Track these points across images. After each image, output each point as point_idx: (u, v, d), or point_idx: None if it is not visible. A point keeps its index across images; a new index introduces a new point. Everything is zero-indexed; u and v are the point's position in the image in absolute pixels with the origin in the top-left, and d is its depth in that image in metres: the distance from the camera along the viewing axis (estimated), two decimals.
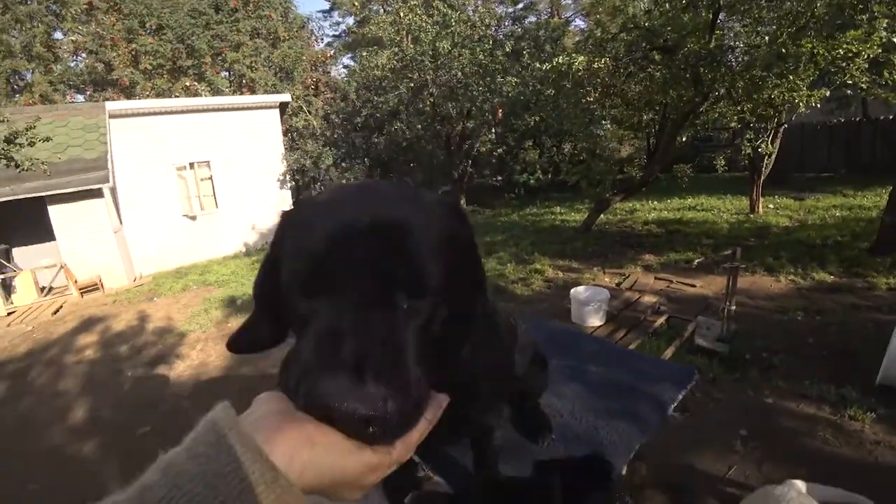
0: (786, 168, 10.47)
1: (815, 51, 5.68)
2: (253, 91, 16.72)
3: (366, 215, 0.53)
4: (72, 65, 17.57)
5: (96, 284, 9.08)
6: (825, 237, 6.48)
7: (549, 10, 21.26)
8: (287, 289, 0.56)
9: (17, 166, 7.31)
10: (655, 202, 10.20)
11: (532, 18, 13.98)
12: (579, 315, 4.51)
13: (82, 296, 8.82)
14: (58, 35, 17.44)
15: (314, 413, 0.44)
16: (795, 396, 3.04)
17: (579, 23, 20.26)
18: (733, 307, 3.82)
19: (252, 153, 12.16)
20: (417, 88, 11.95)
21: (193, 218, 11.42)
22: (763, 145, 7.64)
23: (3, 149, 7.13)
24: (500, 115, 13.20)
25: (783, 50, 5.35)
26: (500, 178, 16.06)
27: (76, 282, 8.85)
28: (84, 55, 17.18)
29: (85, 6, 16.86)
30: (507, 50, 11.24)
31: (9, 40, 16.07)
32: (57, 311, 8.02)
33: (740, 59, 6.99)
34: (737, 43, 6.94)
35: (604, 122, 9.97)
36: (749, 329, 4.04)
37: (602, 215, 8.83)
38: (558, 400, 1.77)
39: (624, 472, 1.54)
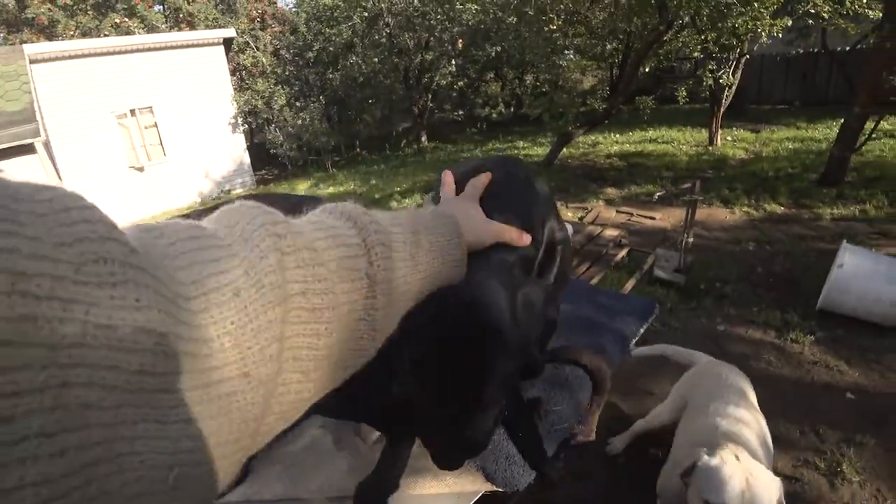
0: (744, 100, 10.57)
1: None
2: (193, 27, 15.32)
3: None
4: None
5: None
6: (777, 169, 6.68)
7: None
8: None
9: None
10: (617, 135, 10.20)
11: None
12: None
13: None
14: None
15: None
16: (744, 323, 3.22)
17: None
18: (691, 239, 3.95)
19: (198, 95, 11.36)
20: (372, 18, 11.25)
21: (141, 169, 10.75)
22: (725, 76, 7.63)
23: None
24: (460, 45, 12.65)
25: None
26: (461, 112, 15.68)
27: None
28: None
29: None
30: None
31: None
32: None
33: None
34: None
35: (567, 51, 9.70)
36: (704, 260, 4.20)
37: (565, 149, 8.80)
38: None
39: (587, 404, 1.60)
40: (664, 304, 3.51)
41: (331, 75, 13.04)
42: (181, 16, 15.87)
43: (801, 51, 11.04)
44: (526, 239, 0.78)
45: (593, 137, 10.03)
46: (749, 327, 3.17)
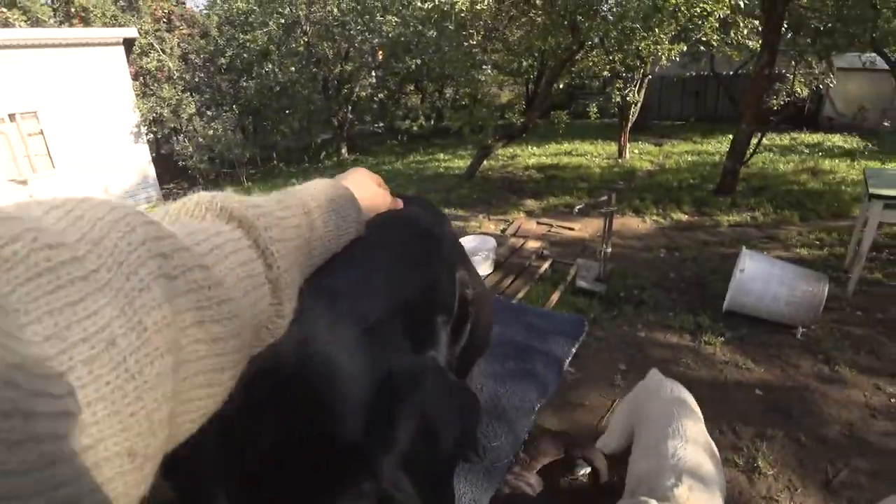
0: (648, 116, 11.46)
1: (678, 8, 6.11)
2: (87, 23, 13.97)
3: None
4: None
5: None
6: (680, 180, 7.23)
7: None
8: None
9: None
10: (535, 147, 10.59)
11: None
12: None
13: None
14: None
15: None
16: (662, 328, 3.39)
17: None
18: (609, 249, 4.12)
19: (94, 101, 10.35)
20: (289, 25, 10.89)
21: (24, 182, 9.55)
22: (631, 94, 8.21)
23: None
24: (380, 56, 12.59)
25: (652, 6, 5.68)
26: (381, 124, 15.58)
27: None
28: None
29: None
30: None
31: None
32: None
33: (614, 11, 7.33)
34: None
35: (485, 66, 9.95)
36: (622, 268, 4.40)
37: (485, 161, 8.98)
38: None
39: (526, 435, 1.56)
40: (587, 313, 3.63)
41: (245, 83, 12.45)
42: (73, 10, 14.38)
43: (694, 73, 12.19)
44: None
45: (512, 150, 10.34)
46: (667, 332, 3.34)
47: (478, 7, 6.20)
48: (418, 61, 11.10)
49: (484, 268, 4.56)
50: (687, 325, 3.36)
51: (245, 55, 12.11)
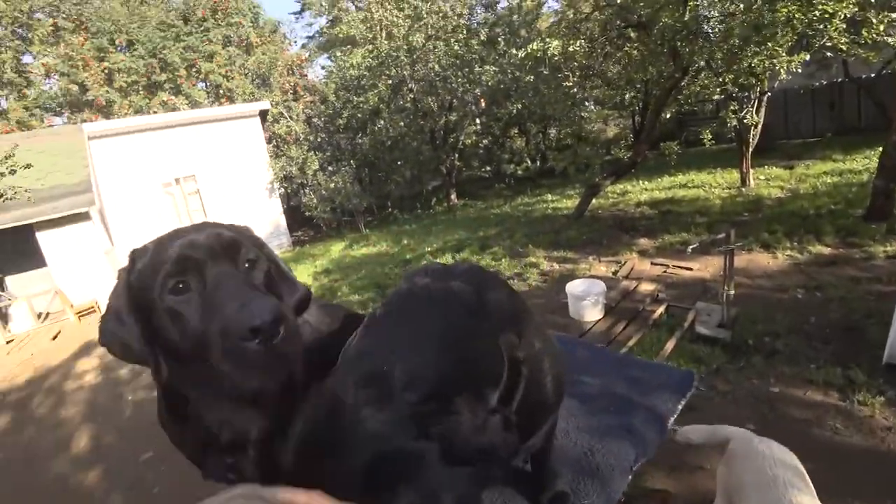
0: (773, 136, 10.37)
1: (791, 15, 5.57)
2: (231, 101, 16.48)
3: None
4: (45, 88, 17.31)
5: (93, 308, 9.02)
6: (818, 206, 6.40)
7: None
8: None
9: (0, 196, 7.23)
10: (646, 182, 10.09)
11: (504, 4, 13.81)
12: (577, 310, 4.42)
13: (80, 320, 8.74)
14: (27, 59, 17.17)
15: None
16: (802, 382, 2.96)
17: (553, 4, 20.03)
18: (732, 291, 3.74)
19: (237, 164, 12.06)
20: (396, 85, 11.78)
21: None
22: (748, 116, 7.53)
23: None
24: (482, 104, 13.04)
25: (760, 20, 5.23)
26: (488, 168, 15.93)
27: (72, 306, 8.79)
28: (56, 77, 16.89)
29: (51, 28, 16.55)
30: (482, 38, 11.08)
31: None
32: (55, 336, 7.98)
33: (717, 30, 6.87)
34: (712, 13, 6.79)
35: (587, 104, 9.82)
36: (750, 312, 3.95)
37: (594, 200, 8.73)
38: None
39: (622, 497, 1.45)
40: (709, 364, 3.29)
41: (360, 140, 13.59)
42: (221, 91, 17.11)
43: (825, 81, 10.82)
44: None
45: (622, 186, 9.95)
46: (807, 388, 2.91)
47: (570, 49, 6.20)
48: (519, 106, 11.31)
49: (593, 313, 4.39)
50: (834, 380, 2.90)
51: (359, 115, 13.28)
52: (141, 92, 16.66)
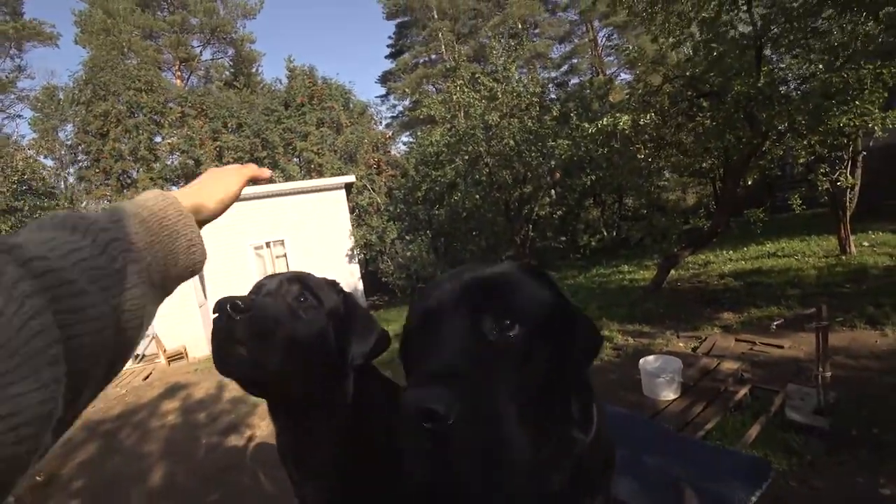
0: (876, 197, 9.51)
1: (879, 71, 5.30)
2: (321, 174, 18.15)
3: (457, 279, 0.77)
4: (168, 163, 20.24)
5: (182, 354, 9.86)
6: None
7: (592, 69, 21.64)
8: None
9: None
10: (731, 251, 9.55)
11: (575, 80, 14.27)
12: (650, 387, 4.19)
13: (169, 364, 9.57)
14: (157, 139, 20.34)
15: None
16: None
17: (625, 76, 20.41)
18: (828, 373, 3.39)
19: (322, 231, 12.98)
20: (472, 160, 12.35)
21: None
22: (842, 177, 7.03)
23: None
24: (557, 176, 13.24)
25: (835, 80, 5.02)
26: (563, 239, 15.84)
27: (165, 351, 9.65)
28: (178, 154, 19.83)
29: (179, 114, 19.61)
30: (555, 114, 11.44)
31: (120, 147, 18.99)
32: (147, 377, 8.77)
33: (796, 93, 6.62)
34: (788, 75, 6.60)
35: (664, 172, 9.63)
36: (854, 398, 3.53)
37: (673, 271, 8.37)
38: None
39: None
40: (803, 455, 2.96)
41: (437, 211, 14.19)
42: (312, 166, 18.97)
43: None
44: (266, 173, 0.86)
45: (703, 257, 9.48)
46: None
47: (641, 122, 6.25)
48: (593, 177, 11.37)
49: (669, 392, 4.13)
50: None
51: (437, 188, 13.97)
52: None
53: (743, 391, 3.77)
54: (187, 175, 19.66)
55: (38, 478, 4.84)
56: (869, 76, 5.30)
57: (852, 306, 5.33)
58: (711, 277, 8.21)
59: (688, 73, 6.57)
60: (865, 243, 7.93)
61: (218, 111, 19.59)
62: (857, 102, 5.50)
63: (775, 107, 5.81)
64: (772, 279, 7.19)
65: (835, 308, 5.31)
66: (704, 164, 7.86)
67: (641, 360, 4.36)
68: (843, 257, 7.47)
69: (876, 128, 5.90)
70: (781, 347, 4.80)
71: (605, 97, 13.30)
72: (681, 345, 5.55)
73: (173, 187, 20.53)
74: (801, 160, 7.22)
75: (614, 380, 4.88)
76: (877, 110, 5.72)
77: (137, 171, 19.92)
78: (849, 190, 7.29)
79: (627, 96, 7.49)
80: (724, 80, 6.23)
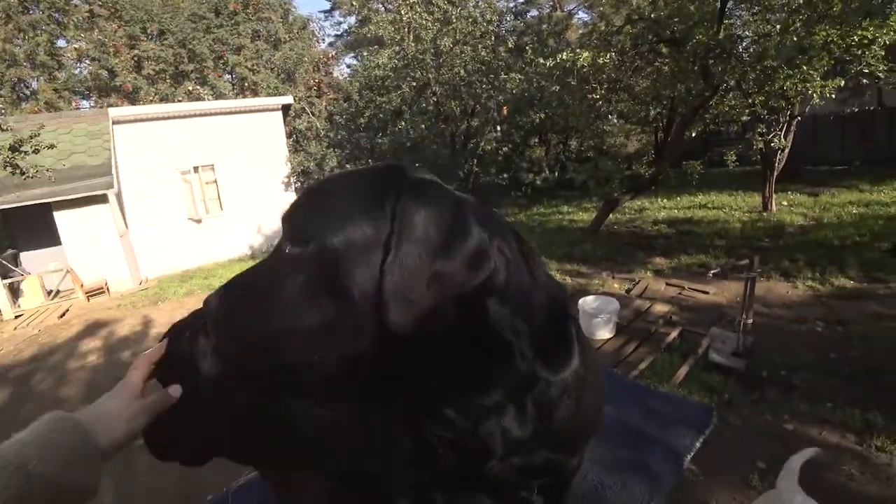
0: (799, 161, 10.17)
1: (829, 39, 5.44)
2: (255, 94, 16.67)
3: None
4: (76, 72, 17.68)
5: (102, 288, 9.16)
6: (843, 237, 6.24)
7: (551, 3, 20.92)
8: None
9: (22, 174, 7.42)
10: (665, 200, 9.96)
11: (534, 13, 13.69)
12: (588, 327, 4.34)
13: (88, 299, 8.87)
14: (61, 43, 17.60)
15: None
16: (818, 422, 2.86)
17: (583, 15, 19.92)
18: (750, 320, 3.64)
19: (256, 156, 12.11)
20: (420, 88, 11.78)
21: (199, 221, 11.40)
22: (776, 139, 7.38)
23: (7, 157, 7.24)
24: (505, 112, 12.98)
25: (803, 42, 5.11)
26: (506, 176, 15.82)
27: (82, 286, 8.91)
28: (87, 62, 17.28)
29: (87, 14, 16.96)
30: (510, 46, 11.02)
31: (13, 49, 16.20)
32: (63, 314, 8.11)
33: (751, 50, 6.71)
34: (745, 32, 6.66)
35: (610, 117, 9.68)
36: (767, 342, 3.84)
37: (611, 215, 8.62)
38: None
39: None
40: (721, 394, 3.20)
41: (380, 139, 13.59)
42: (246, 84, 17.32)
43: (856, 109, 10.57)
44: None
45: (640, 203, 9.82)
46: (823, 427, 2.81)
47: (600, 61, 6.12)
48: (542, 115, 11.22)
49: (605, 331, 4.31)
50: (852, 423, 2.79)
51: (381, 115, 13.29)
52: (168, 80, 16.93)
53: (673, 334, 4.00)
54: (100, 88, 17.29)
55: None
56: (818, 42, 5.41)
57: (770, 259, 5.73)
58: (646, 223, 8.56)
59: (651, 16, 6.43)
60: (785, 202, 8.50)
61: (135, 13, 17.03)
62: (803, 67, 5.64)
63: (731, 61, 5.86)
64: (701, 229, 7.60)
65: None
66: (652, 112, 7.94)
67: (580, 300, 4.49)
68: (765, 214, 7.99)
69: (815, 95, 6.13)
70: (707, 293, 5.12)
71: (561, 34, 12.94)
72: (616, 286, 5.79)
73: (84, 102, 18.14)
74: (743, 118, 7.47)
75: None
76: (818, 78, 5.92)
77: (38, 80, 17.28)
78: (779, 151, 7.67)
79: (588, 34, 7.28)
80: (686, 28, 6.16)
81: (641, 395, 2.05)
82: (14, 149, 7.35)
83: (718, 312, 4.62)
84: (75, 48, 17.20)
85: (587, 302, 4.47)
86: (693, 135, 7.90)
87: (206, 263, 11.19)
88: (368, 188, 0.65)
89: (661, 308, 4.72)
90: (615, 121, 10.13)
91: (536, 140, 14.79)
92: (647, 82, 6.93)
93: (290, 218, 0.68)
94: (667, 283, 5.57)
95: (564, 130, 12.83)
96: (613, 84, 6.94)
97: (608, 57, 6.19)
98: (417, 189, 0.64)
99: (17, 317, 8.22)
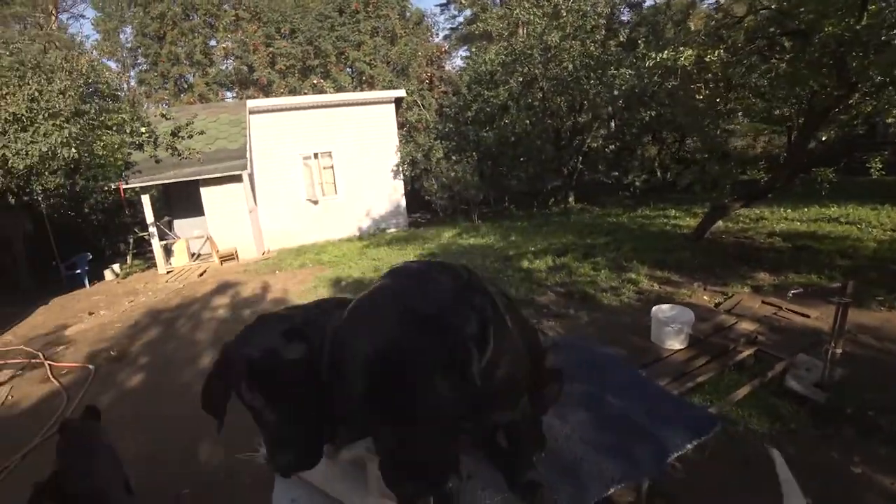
0: None
1: None
2: (372, 87, 17.80)
3: None
4: (223, 68, 20.38)
5: (233, 255, 10.67)
6: None
7: None
8: None
9: (178, 155, 8.87)
10: (789, 210, 8.93)
11: (651, 2, 12.83)
12: (658, 335, 4.19)
13: (222, 263, 10.41)
14: (212, 43, 20.41)
15: None
16: (894, 471, 2.55)
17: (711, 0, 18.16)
18: (839, 350, 3.28)
19: (369, 145, 13.01)
20: (527, 82, 11.74)
21: (315, 202, 12.64)
22: None
23: (169, 141, 8.65)
24: (617, 107, 12.45)
25: None
26: (615, 174, 15.16)
27: (218, 251, 10.49)
28: (232, 59, 19.87)
29: (233, 17, 19.43)
30: (622, 39, 10.52)
31: (176, 51, 19.17)
32: (202, 273, 9.61)
33: None
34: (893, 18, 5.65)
35: (737, 115, 8.77)
36: (861, 378, 3.42)
37: (720, 222, 7.95)
38: (559, 423, 1.77)
39: None
40: (788, 423, 2.96)
41: (486, 133, 13.81)
42: (364, 78, 18.58)
43: None
44: None
45: (758, 211, 8.93)
46: None
47: (707, 59, 5.64)
48: (653, 113, 10.61)
49: (675, 342, 4.13)
50: None
51: (488, 109, 13.48)
52: (296, 74, 18.82)
53: (747, 352, 3.73)
54: (241, 82, 19.78)
55: (112, 352, 5.62)
56: None
57: None
58: (760, 234, 7.78)
59: (774, 7, 5.77)
60: None
61: (272, 16, 19.23)
62: None
63: (870, 55, 5.07)
64: (824, 245, 6.74)
65: (879, 287, 5.00)
66: (785, 111, 7.04)
67: (654, 308, 4.33)
68: None
69: None
70: (807, 317, 4.62)
71: (682, 23, 11.98)
72: (705, 298, 5.43)
73: (228, 94, 20.81)
74: (890, 119, 6.40)
75: (626, 323, 4.91)
76: None
77: (193, 76, 20.24)
78: None
79: (704, 24, 6.71)
80: (817, 17, 5.43)
81: (656, 396, 2.05)
82: (174, 134, 8.87)
83: (814, 338, 4.16)
84: (223, 47, 19.93)
85: (662, 310, 4.30)
86: (825, 138, 6.97)
87: (319, 240, 12.33)
88: None
89: (746, 326, 4.36)
90: (740, 119, 9.21)
91: (650, 138, 13.98)
92: (763, 81, 6.18)
93: None
94: (763, 301, 5.10)
95: (679, 129, 11.98)
96: (719, 83, 6.34)
97: (716, 54, 5.66)
98: None
99: (168, 272, 9.95)
